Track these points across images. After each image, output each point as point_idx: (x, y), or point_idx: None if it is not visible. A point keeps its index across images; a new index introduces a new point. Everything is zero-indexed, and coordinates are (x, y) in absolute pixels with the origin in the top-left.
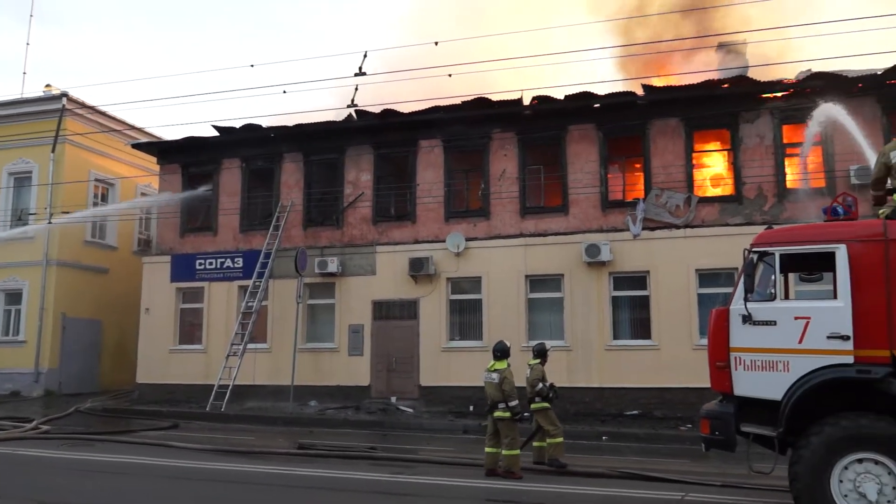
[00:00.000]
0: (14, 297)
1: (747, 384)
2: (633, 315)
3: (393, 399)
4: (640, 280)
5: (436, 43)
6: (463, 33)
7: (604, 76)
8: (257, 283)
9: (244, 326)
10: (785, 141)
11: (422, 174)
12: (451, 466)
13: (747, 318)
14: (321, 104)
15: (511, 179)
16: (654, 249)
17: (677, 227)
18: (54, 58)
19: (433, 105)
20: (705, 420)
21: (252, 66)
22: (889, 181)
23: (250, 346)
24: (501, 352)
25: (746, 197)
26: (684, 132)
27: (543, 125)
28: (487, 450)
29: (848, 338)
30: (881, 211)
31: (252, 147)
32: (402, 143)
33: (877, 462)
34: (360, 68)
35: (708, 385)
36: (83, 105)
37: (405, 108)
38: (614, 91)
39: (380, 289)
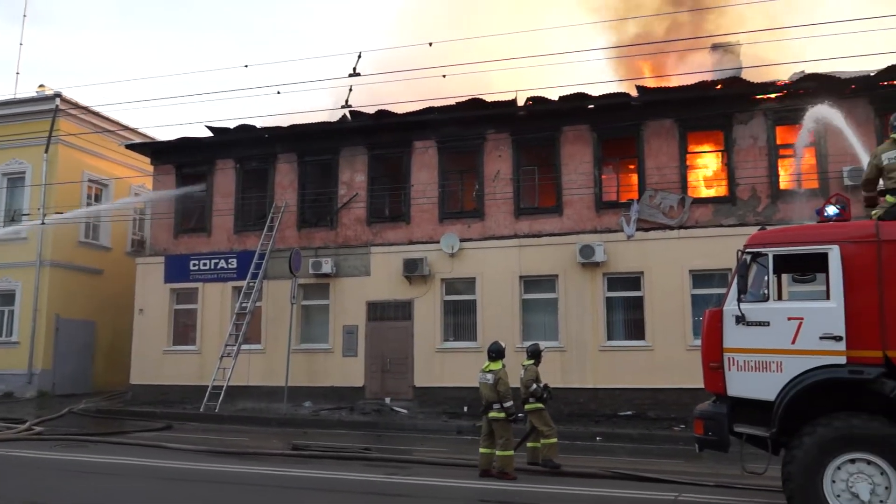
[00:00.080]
0: (7, 298)
1: (740, 385)
2: (627, 316)
3: (387, 400)
4: (633, 281)
5: (430, 44)
6: (457, 34)
7: (598, 77)
8: (251, 284)
9: (238, 327)
10: (778, 142)
11: (416, 175)
12: (445, 467)
13: (741, 319)
14: (315, 105)
15: (505, 180)
16: (647, 250)
17: (671, 228)
18: (48, 58)
19: (427, 106)
20: (699, 420)
21: (246, 66)
22: (881, 183)
23: (244, 346)
24: (496, 352)
25: (740, 198)
26: (678, 133)
27: (537, 126)
28: (482, 450)
29: (840, 338)
30: (874, 212)
31: (246, 148)
32: (396, 143)
33: (869, 462)
34: (355, 69)
35: (702, 386)
36: (77, 105)
37: (399, 109)
38: (608, 92)
39: (374, 290)
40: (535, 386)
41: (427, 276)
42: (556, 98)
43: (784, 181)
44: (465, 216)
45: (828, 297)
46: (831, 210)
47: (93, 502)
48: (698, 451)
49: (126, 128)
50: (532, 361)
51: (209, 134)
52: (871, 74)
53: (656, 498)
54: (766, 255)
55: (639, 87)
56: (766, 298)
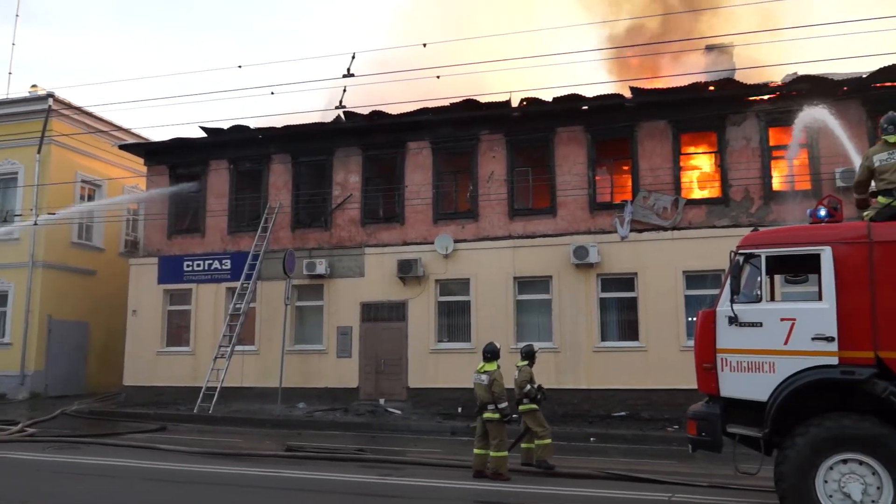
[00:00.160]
0: None
1: (733, 385)
2: (621, 317)
3: (381, 401)
4: (627, 282)
5: (424, 45)
6: (451, 35)
7: (592, 78)
8: (245, 285)
9: (232, 328)
10: (771, 143)
11: (410, 176)
12: (439, 468)
13: (733, 320)
14: (309, 105)
15: (499, 181)
16: (641, 251)
17: (665, 229)
18: (40, 58)
19: (422, 107)
20: (692, 421)
21: (240, 67)
22: (872, 184)
23: (238, 348)
24: (491, 353)
25: (733, 199)
26: (672, 134)
27: (532, 127)
28: (476, 451)
29: (832, 339)
30: (865, 213)
31: (240, 148)
32: (390, 144)
33: (861, 462)
34: (349, 70)
35: (695, 386)
36: (69, 106)
37: (393, 110)
38: (602, 93)
39: (368, 291)
40: (529, 387)
41: (421, 276)
42: (550, 99)
43: (777, 182)
44: (459, 217)
45: (820, 298)
46: (823, 211)
47: None
48: (691, 451)
49: (119, 128)
50: (526, 362)
51: (203, 134)
52: (864, 76)
53: (650, 498)
54: (759, 256)
55: (632, 89)
56: (758, 299)
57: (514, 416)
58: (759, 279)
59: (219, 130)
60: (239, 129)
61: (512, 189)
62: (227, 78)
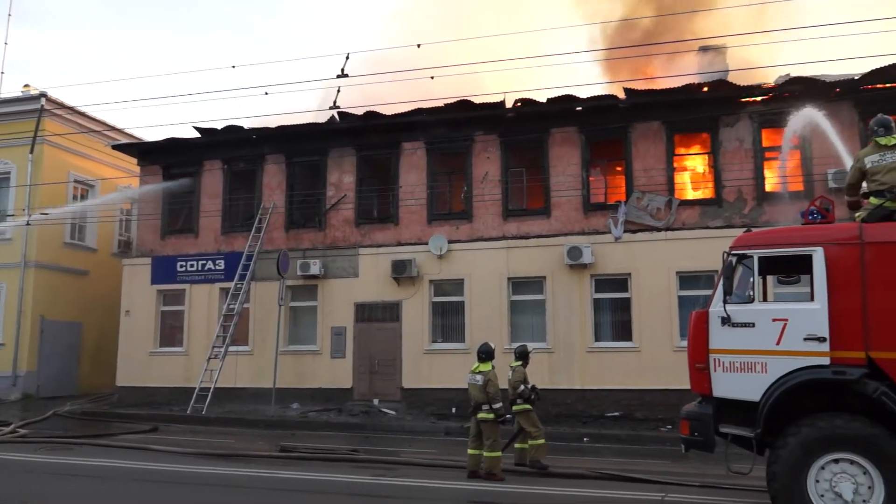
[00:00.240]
0: None
1: (726, 385)
2: (615, 317)
3: (375, 401)
4: (621, 282)
5: (418, 45)
6: (446, 35)
7: (586, 79)
8: (239, 286)
9: (226, 329)
10: (764, 144)
11: (404, 176)
12: (432, 468)
13: (726, 321)
14: (303, 106)
15: (493, 182)
16: (635, 252)
17: (658, 229)
18: (33, 57)
19: (416, 107)
20: (685, 421)
21: (234, 67)
22: (864, 186)
23: (232, 348)
24: (486, 353)
25: (726, 200)
26: (665, 135)
27: (526, 128)
28: (470, 451)
29: (824, 339)
30: (857, 214)
31: (234, 148)
32: (384, 145)
33: (852, 462)
34: (343, 70)
35: (688, 386)
36: (62, 105)
37: (388, 110)
38: (596, 94)
39: (362, 291)
40: (522, 387)
41: (415, 277)
42: (545, 100)
43: (770, 183)
44: (453, 218)
45: (812, 299)
46: (815, 212)
47: None
48: (684, 451)
49: (112, 128)
50: (520, 363)
51: (197, 134)
52: (856, 78)
53: (643, 498)
54: (752, 256)
55: (626, 90)
56: (751, 300)
57: (508, 416)
58: (751, 280)
59: (213, 130)
60: (233, 130)
61: (506, 190)
62: (221, 78)
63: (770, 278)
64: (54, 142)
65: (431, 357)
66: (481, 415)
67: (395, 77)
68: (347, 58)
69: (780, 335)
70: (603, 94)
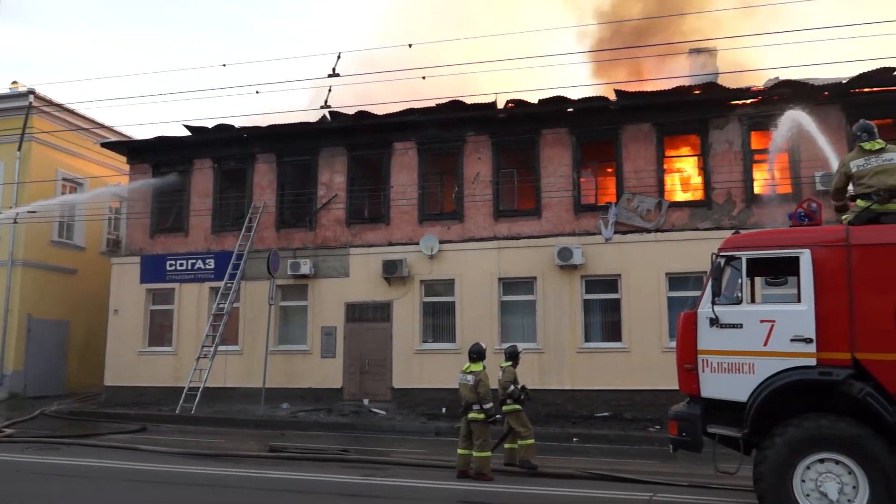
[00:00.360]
0: None
1: (714, 386)
2: (605, 318)
3: (365, 401)
4: (611, 283)
5: (409, 45)
6: (437, 35)
7: (578, 80)
8: (229, 285)
9: (215, 328)
10: (753, 147)
11: (396, 176)
12: (422, 469)
13: (714, 322)
14: (295, 105)
15: (485, 182)
16: (625, 253)
17: (648, 231)
18: (21, 54)
19: (407, 107)
20: (673, 422)
21: (224, 65)
22: (850, 188)
23: (221, 348)
24: (477, 354)
25: (715, 202)
26: (656, 137)
27: (517, 129)
28: (460, 451)
29: (811, 340)
30: (844, 217)
31: (224, 147)
32: (376, 144)
33: (837, 462)
34: (334, 69)
35: (677, 387)
36: (51, 103)
37: (379, 110)
38: (587, 96)
39: (353, 291)
40: (512, 387)
41: (406, 277)
42: (536, 101)
43: (758, 186)
44: (444, 218)
45: (799, 300)
46: (802, 215)
47: None
48: (672, 451)
49: (102, 126)
50: (510, 363)
51: (187, 133)
52: (844, 81)
53: (631, 498)
54: (740, 258)
55: (617, 92)
56: (739, 301)
57: (498, 416)
58: (739, 281)
59: (203, 129)
60: (223, 128)
61: (497, 190)
62: (211, 76)
63: (758, 280)
64: (43, 139)
65: (422, 357)
66: (472, 415)
67: (387, 77)
68: (339, 57)
69: (767, 336)
70: (594, 95)
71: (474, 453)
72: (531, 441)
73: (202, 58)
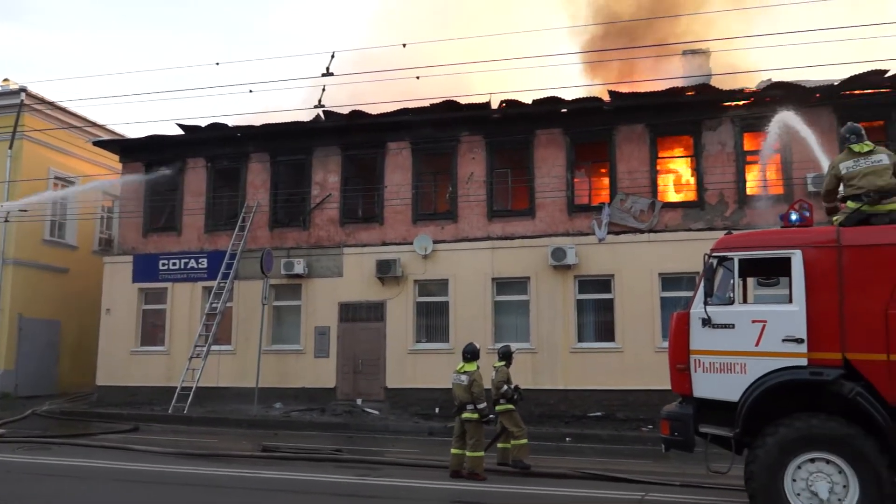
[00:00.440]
0: None
1: (706, 386)
2: (598, 318)
3: (359, 401)
4: (604, 283)
5: (403, 45)
6: (432, 35)
7: (572, 81)
8: (222, 284)
9: (208, 328)
10: (745, 148)
11: (390, 176)
12: (416, 468)
13: (707, 322)
14: (288, 104)
15: (479, 183)
16: (618, 253)
17: (641, 231)
18: (12, 52)
19: (401, 107)
20: (665, 421)
21: (217, 64)
22: (841, 190)
23: (214, 347)
24: (471, 353)
25: (708, 203)
26: (649, 138)
27: (511, 129)
28: (453, 451)
29: (802, 341)
30: (835, 218)
31: (218, 146)
32: (370, 144)
33: (828, 461)
34: (328, 69)
35: (669, 387)
36: (42, 101)
37: (373, 110)
38: (581, 96)
39: (346, 290)
40: (505, 387)
41: (400, 277)
42: (530, 101)
43: (750, 187)
44: (438, 218)
45: (790, 301)
46: (794, 216)
47: None
48: (665, 451)
49: (94, 124)
50: (503, 363)
51: (180, 132)
52: (835, 84)
53: (624, 497)
54: (732, 259)
55: (611, 92)
56: (731, 301)
57: (492, 416)
58: (731, 282)
59: (196, 128)
60: (217, 127)
61: (491, 190)
62: (205, 75)
63: (750, 280)
64: (34, 137)
65: (415, 357)
66: (465, 415)
67: (381, 76)
68: (333, 56)
69: (759, 336)
70: (588, 96)
71: (468, 453)
72: (524, 441)
73: (196, 56)
